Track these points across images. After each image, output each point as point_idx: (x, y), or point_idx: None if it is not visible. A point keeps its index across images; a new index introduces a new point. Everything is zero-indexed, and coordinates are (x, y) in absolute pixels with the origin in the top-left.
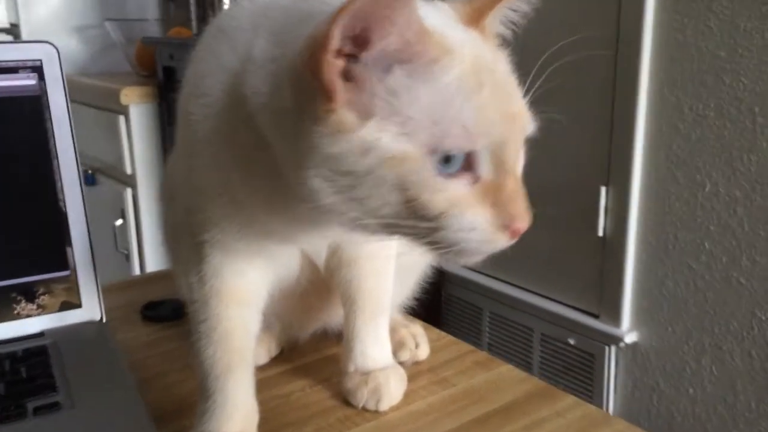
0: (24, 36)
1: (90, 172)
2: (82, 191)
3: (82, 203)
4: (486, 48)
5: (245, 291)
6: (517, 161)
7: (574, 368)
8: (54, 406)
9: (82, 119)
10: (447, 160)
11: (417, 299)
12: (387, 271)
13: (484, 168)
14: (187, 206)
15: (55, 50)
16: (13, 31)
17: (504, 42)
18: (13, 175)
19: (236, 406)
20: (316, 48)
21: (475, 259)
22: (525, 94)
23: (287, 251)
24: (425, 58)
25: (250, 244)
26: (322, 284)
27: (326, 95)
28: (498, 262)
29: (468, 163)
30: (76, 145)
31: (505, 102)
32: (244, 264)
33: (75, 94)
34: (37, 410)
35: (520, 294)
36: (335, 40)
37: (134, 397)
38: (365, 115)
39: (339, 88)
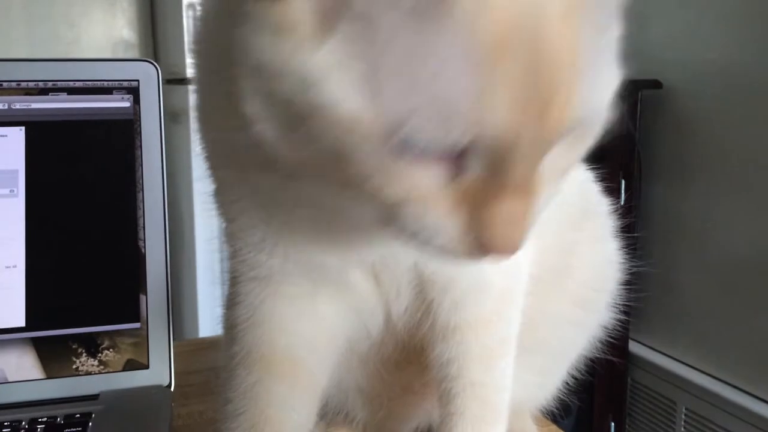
0: None
1: None
2: (165, 232)
3: (164, 245)
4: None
5: (292, 356)
6: (531, 172)
7: None
8: None
9: None
10: None
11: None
12: (504, 356)
13: (474, 164)
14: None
15: (155, 69)
16: None
17: None
18: (91, 206)
19: None
20: None
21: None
22: None
23: (348, 283)
24: None
25: (288, 265)
26: (422, 352)
27: None
28: (699, 348)
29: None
30: (165, 178)
31: (538, 87)
32: (291, 310)
33: None
34: None
35: (728, 392)
36: None
37: None
38: (327, 23)
39: None
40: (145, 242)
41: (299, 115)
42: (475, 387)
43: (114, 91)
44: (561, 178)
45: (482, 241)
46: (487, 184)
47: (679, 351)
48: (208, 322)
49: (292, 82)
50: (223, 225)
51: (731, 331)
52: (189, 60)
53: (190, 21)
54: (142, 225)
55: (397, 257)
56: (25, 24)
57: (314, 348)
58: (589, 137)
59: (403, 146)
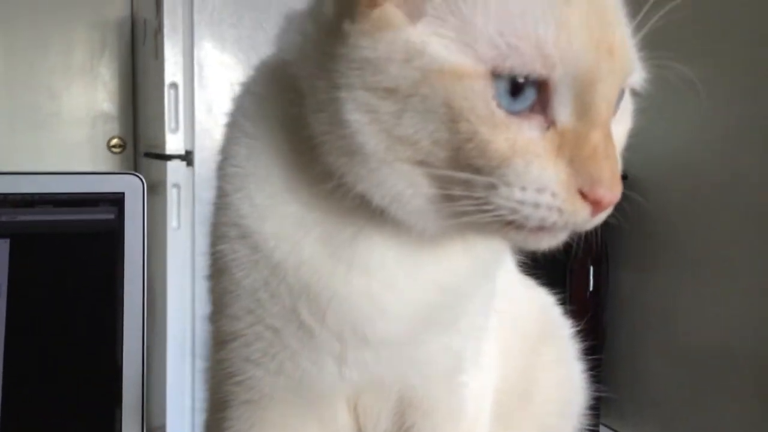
0: (196, 163)
1: None
2: (143, 346)
3: (141, 360)
4: None
5: None
6: (610, 112)
7: None
8: None
9: None
10: (515, 92)
11: None
12: None
13: (563, 111)
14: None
15: (140, 182)
16: (188, 157)
17: None
18: (71, 319)
19: None
20: None
21: (545, 241)
22: (634, 33)
23: (328, 412)
24: None
25: (280, 384)
26: None
27: None
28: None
29: (542, 102)
30: (146, 291)
31: (600, 29)
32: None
33: None
34: None
35: None
36: None
37: None
38: (415, 13)
39: None
40: (122, 355)
41: (407, 92)
42: None
43: (100, 203)
44: (619, 151)
45: (587, 183)
46: (577, 127)
47: (652, 427)
48: (177, 412)
49: (399, 60)
50: (221, 347)
51: (698, 417)
52: (168, 135)
53: (171, 99)
54: (120, 338)
55: (386, 381)
56: (6, 94)
57: None
58: (627, 118)
59: (505, 98)
